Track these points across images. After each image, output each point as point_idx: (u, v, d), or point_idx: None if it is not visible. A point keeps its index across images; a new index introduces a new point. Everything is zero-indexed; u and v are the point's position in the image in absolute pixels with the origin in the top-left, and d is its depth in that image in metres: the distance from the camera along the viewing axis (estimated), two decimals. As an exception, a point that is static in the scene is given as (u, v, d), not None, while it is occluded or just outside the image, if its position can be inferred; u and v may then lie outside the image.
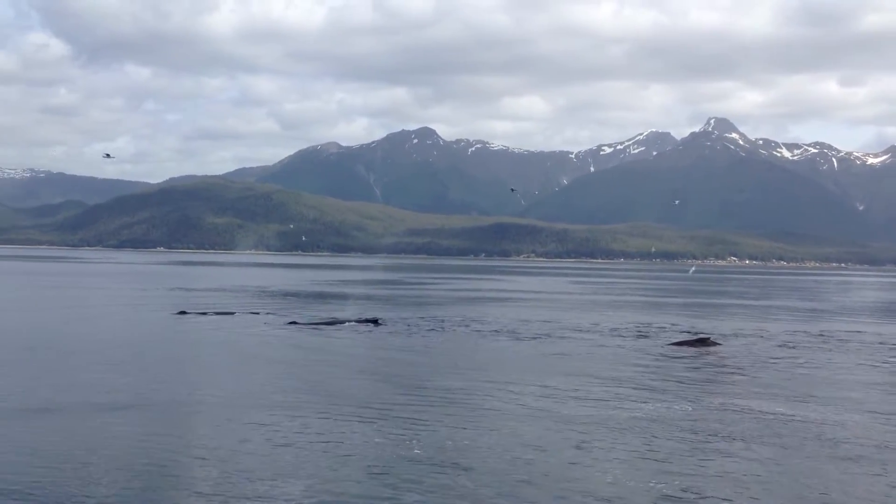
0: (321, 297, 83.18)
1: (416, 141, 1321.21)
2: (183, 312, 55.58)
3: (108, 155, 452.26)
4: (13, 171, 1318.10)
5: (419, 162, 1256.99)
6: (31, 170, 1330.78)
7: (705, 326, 55.71)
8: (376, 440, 20.78)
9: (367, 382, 29.63)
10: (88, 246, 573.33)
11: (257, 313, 57.33)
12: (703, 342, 43.68)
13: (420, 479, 17.62)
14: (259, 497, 16.45)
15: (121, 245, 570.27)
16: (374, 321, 51.48)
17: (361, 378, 30.63)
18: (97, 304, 65.16)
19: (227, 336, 43.61)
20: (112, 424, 21.92)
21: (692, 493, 17.24)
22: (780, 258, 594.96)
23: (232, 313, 56.85)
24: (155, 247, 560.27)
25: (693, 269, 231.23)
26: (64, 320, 51.02)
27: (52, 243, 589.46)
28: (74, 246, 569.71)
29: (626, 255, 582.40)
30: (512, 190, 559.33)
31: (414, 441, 20.77)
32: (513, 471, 18.50)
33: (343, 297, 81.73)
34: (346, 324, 50.38)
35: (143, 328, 47.13)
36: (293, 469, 18.26)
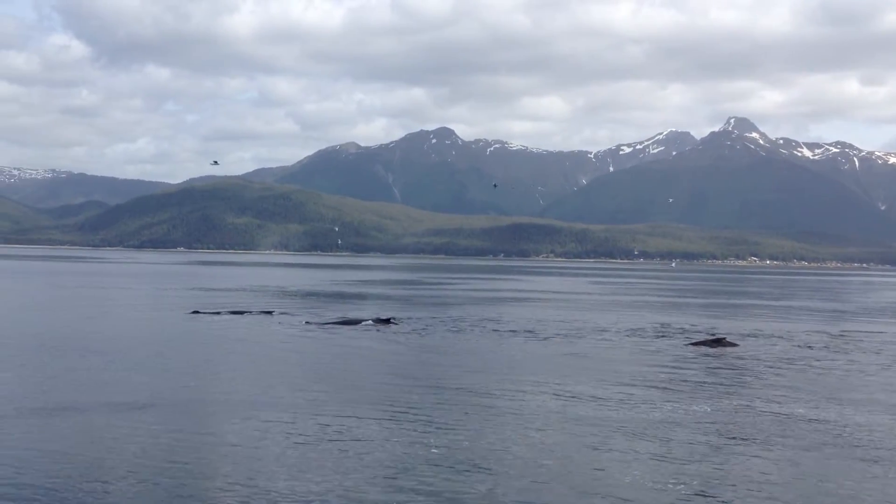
0: (339, 296, 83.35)
1: (434, 141, 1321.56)
2: (196, 312, 55.78)
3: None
4: (35, 172, 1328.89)
5: (438, 162, 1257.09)
6: (53, 170, 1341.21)
7: (725, 326, 55.42)
8: (393, 440, 20.80)
9: (385, 382, 29.64)
10: (109, 246, 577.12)
11: (271, 312, 57.30)
12: (720, 342, 43.46)
13: (436, 480, 17.62)
14: (279, 494, 16.49)
15: (141, 245, 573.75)
16: (388, 321, 51.39)
17: (379, 378, 30.64)
18: (116, 303, 65.55)
19: (242, 335, 43.72)
20: (131, 423, 22.04)
21: (711, 493, 17.14)
22: (802, 258, 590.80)
23: (248, 312, 56.87)
24: (175, 247, 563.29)
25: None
26: (84, 319, 51.36)
27: (73, 243, 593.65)
28: (95, 246, 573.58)
29: (646, 256, 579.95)
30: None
31: (431, 441, 20.77)
32: (531, 471, 18.46)
33: (361, 297, 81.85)
34: (361, 323, 50.30)
35: (160, 327, 47.34)
36: (311, 468, 18.29)
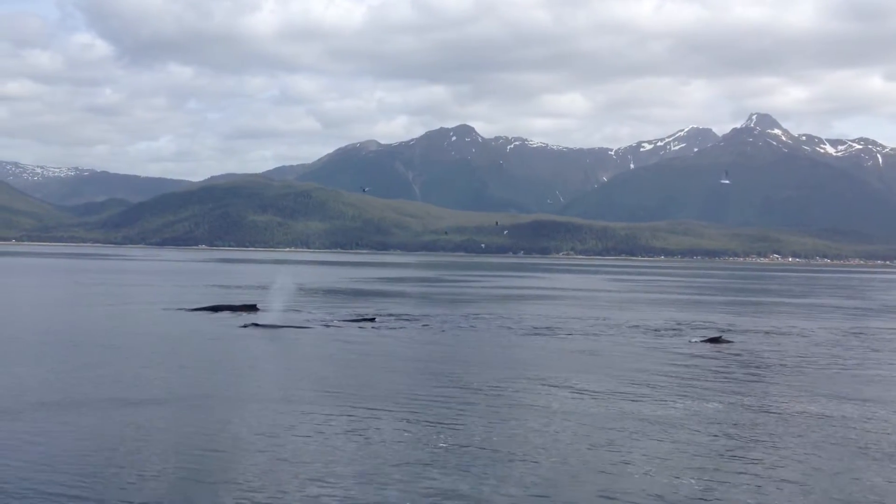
0: (356, 294, 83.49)
1: (454, 138, 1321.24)
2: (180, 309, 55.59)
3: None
4: (58, 170, 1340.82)
5: (458, 159, 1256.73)
6: (76, 168, 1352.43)
7: (745, 323, 55.14)
8: (406, 434, 20.84)
9: (400, 379, 29.68)
10: (131, 244, 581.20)
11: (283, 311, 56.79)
12: (717, 340, 43.46)
13: (447, 475, 17.63)
14: (299, 486, 16.58)
15: (163, 243, 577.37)
16: (372, 319, 50.37)
17: (393, 374, 30.69)
18: (136, 300, 65.94)
19: (251, 334, 43.90)
20: (152, 417, 22.21)
21: (719, 493, 17.06)
22: (824, 256, 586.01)
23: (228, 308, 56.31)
24: (197, 244, 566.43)
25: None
26: (104, 316, 51.73)
27: (96, 241, 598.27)
28: (118, 244, 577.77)
29: (667, 253, 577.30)
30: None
31: (442, 436, 20.80)
32: (540, 466, 18.43)
33: (380, 295, 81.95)
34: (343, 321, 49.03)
35: (176, 324, 47.61)
36: (329, 462, 18.36)
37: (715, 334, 46.45)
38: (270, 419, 22.46)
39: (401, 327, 47.58)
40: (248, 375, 29.97)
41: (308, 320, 50.04)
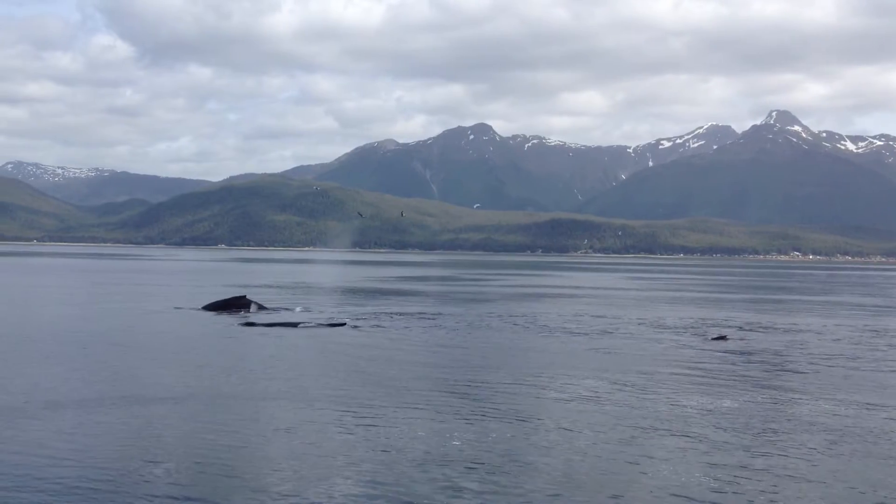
0: (368, 293, 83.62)
1: (472, 137, 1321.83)
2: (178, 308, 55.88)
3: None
4: (79, 171, 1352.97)
5: (475, 158, 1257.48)
6: (96, 169, 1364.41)
7: (763, 321, 54.82)
8: (420, 433, 20.80)
9: (412, 377, 29.68)
10: (152, 244, 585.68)
11: (291, 309, 56.88)
12: (732, 339, 43.28)
13: (462, 475, 17.60)
14: (317, 480, 16.60)
15: (183, 243, 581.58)
16: (342, 324, 46.85)
17: (406, 372, 30.68)
18: (155, 299, 66.30)
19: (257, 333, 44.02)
20: (171, 414, 22.31)
21: (736, 491, 16.96)
22: (845, 253, 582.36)
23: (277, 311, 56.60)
24: (216, 244, 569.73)
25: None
26: (124, 315, 52.04)
27: (116, 241, 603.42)
28: (138, 244, 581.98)
29: (687, 251, 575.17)
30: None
31: (455, 434, 20.76)
32: (559, 463, 18.38)
33: (398, 293, 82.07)
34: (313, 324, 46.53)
35: (193, 323, 47.84)
36: (344, 461, 18.39)
37: (732, 332, 46.22)
38: (285, 417, 22.50)
39: (410, 326, 47.54)
40: (264, 373, 30.03)
41: (324, 317, 50.12)
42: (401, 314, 54.59)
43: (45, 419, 21.81)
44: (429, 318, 52.05)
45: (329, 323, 47.48)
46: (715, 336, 44.31)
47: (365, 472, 17.62)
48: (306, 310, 56.87)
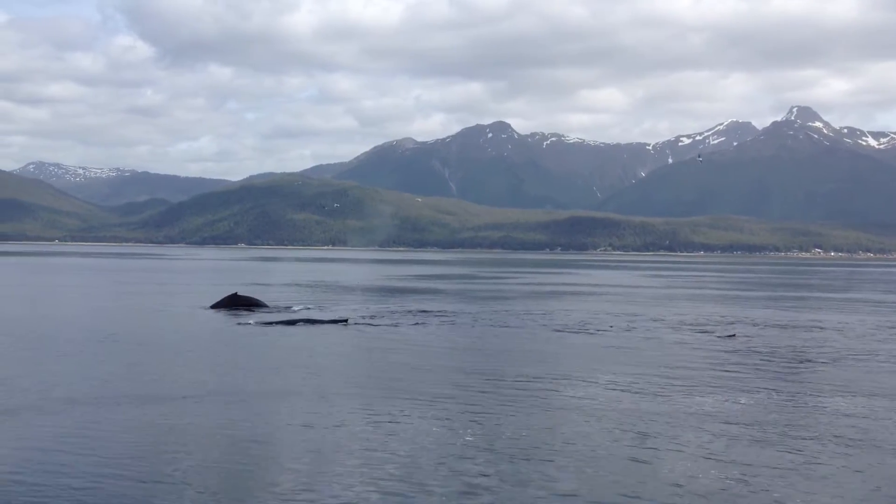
0: (384, 291, 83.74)
1: (490, 135, 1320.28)
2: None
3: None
4: (100, 171, 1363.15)
5: (494, 156, 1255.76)
6: (117, 169, 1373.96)
7: (781, 318, 54.50)
8: (435, 429, 20.84)
9: (428, 374, 29.70)
10: (172, 243, 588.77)
11: (310, 308, 56.92)
12: (750, 335, 43.06)
13: (475, 471, 17.62)
14: (335, 478, 16.68)
15: (203, 242, 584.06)
16: (345, 321, 46.74)
17: (422, 369, 30.71)
18: (174, 298, 66.68)
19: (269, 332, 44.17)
20: (192, 412, 22.46)
21: (753, 488, 16.88)
22: (867, 250, 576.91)
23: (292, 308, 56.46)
24: (236, 243, 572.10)
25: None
26: (144, 313, 52.40)
27: (137, 240, 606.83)
28: (159, 243, 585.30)
29: (707, 248, 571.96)
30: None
31: (469, 430, 20.79)
32: (574, 460, 18.36)
33: (415, 292, 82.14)
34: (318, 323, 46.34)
35: (212, 322, 48.08)
36: (362, 458, 18.45)
37: (750, 329, 45.99)
38: (302, 414, 22.60)
39: (426, 323, 47.57)
40: (278, 371, 30.16)
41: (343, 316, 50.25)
42: (420, 311, 54.63)
43: (61, 415, 22.04)
44: (446, 315, 52.08)
45: (330, 319, 47.41)
46: (729, 334, 44.06)
47: (382, 467, 17.68)
48: (319, 308, 56.95)
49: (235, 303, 55.44)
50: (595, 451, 19.21)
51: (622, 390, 26.93)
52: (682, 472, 17.69)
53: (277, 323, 45.62)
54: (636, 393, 26.45)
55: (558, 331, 44.94)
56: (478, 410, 23.26)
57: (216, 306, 55.22)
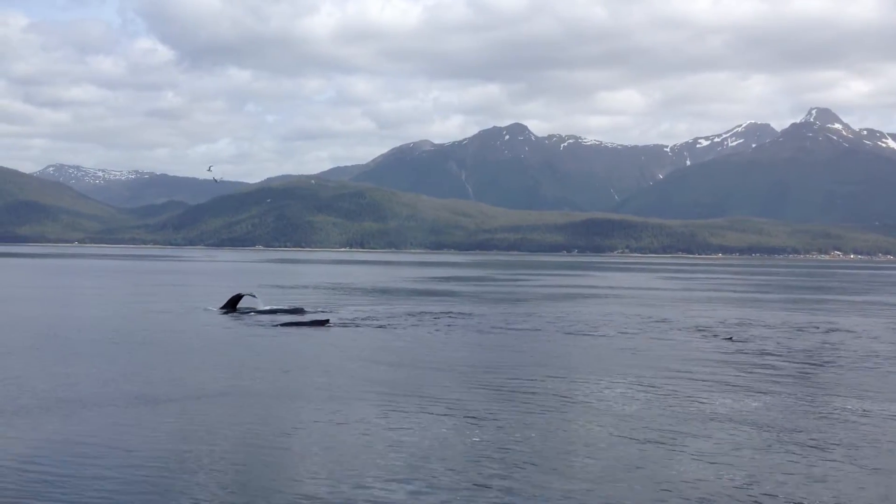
0: (392, 292, 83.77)
1: (507, 137, 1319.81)
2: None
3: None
4: (119, 173, 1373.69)
5: (511, 158, 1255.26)
6: (136, 171, 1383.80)
7: (798, 321, 54.13)
8: (444, 431, 20.81)
9: (441, 376, 29.66)
10: (191, 245, 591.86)
11: (326, 311, 56.76)
12: (765, 338, 42.84)
13: (480, 472, 17.58)
14: (347, 477, 16.68)
15: (221, 244, 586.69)
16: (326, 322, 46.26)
17: (428, 372, 30.69)
18: (191, 299, 66.96)
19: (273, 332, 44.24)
20: (205, 413, 22.53)
21: (766, 490, 16.76)
22: (887, 252, 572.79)
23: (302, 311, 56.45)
24: (254, 245, 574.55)
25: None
26: (160, 315, 52.63)
27: (156, 242, 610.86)
28: (178, 245, 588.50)
29: (725, 251, 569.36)
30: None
31: (476, 432, 20.75)
32: (585, 462, 18.30)
33: (428, 293, 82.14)
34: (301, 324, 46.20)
35: (224, 324, 48.23)
36: (371, 459, 18.45)
37: (766, 331, 45.70)
38: (314, 415, 22.64)
39: (443, 325, 47.55)
40: (292, 373, 30.22)
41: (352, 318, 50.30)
42: (439, 313, 54.62)
43: (75, 415, 22.18)
44: (459, 317, 52.06)
45: (313, 320, 47.13)
46: (727, 336, 43.61)
47: (394, 468, 17.67)
48: (323, 310, 56.91)
49: (236, 304, 55.85)
50: (604, 454, 19.13)
51: (638, 392, 26.80)
52: (697, 474, 17.58)
53: (287, 325, 45.85)
54: (646, 394, 26.31)
55: (577, 333, 44.76)
56: (486, 411, 23.20)
57: (225, 307, 55.49)
